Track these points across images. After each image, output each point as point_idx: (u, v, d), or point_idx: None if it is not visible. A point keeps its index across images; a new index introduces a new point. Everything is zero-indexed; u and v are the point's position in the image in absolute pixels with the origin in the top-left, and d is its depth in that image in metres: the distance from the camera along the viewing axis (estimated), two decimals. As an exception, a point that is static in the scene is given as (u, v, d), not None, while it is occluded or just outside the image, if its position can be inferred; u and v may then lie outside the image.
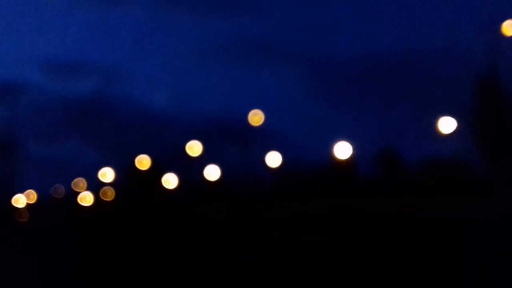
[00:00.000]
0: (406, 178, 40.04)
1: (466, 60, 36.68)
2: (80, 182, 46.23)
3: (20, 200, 44.30)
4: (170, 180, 52.60)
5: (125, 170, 50.52)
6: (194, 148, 49.85)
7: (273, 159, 49.27)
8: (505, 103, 35.02)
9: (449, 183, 34.61)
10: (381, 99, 42.37)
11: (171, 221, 29.84)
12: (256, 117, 44.48)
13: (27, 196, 45.21)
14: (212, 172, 52.12)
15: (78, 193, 46.38)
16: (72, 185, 45.79)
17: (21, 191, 44.94)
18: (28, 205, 45.15)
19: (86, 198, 46.43)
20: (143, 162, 50.60)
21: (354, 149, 41.21)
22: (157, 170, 51.41)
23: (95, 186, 46.96)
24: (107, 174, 45.88)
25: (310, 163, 47.89)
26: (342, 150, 41.43)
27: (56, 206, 44.87)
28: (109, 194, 47.66)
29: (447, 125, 35.77)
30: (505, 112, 34.20)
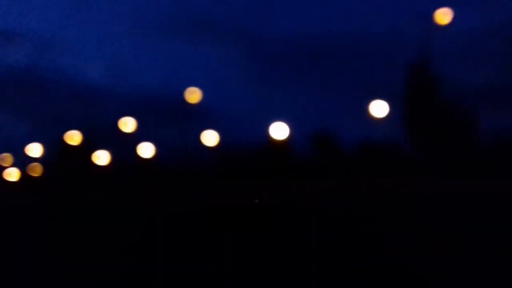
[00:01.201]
0: (341, 159, 41.02)
1: (400, 46, 37.74)
2: (6, 157, 44.11)
3: None
4: (101, 157, 51.16)
5: (54, 145, 48.58)
6: (127, 124, 48.63)
7: (209, 138, 49.05)
8: (435, 89, 36.56)
9: (382, 164, 35.95)
10: (318, 81, 42.84)
11: (102, 198, 29.04)
12: (193, 95, 43.93)
13: None
14: (146, 150, 51.21)
15: (4, 168, 44.28)
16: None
17: None
18: None
19: (12, 174, 44.39)
20: (73, 137, 48.83)
21: (290, 130, 41.72)
22: (88, 146, 49.83)
23: (22, 161, 44.93)
24: (34, 149, 43.91)
25: (246, 143, 48.12)
26: (279, 130, 41.88)
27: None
28: (37, 170, 45.71)
29: (380, 108, 36.95)
30: (435, 98, 35.82)
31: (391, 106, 37.93)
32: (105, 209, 19.43)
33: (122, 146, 51.32)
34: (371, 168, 36.90)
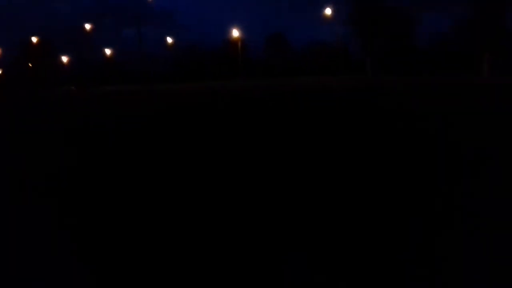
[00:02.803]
0: (293, 59, 42.41)
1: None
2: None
3: None
4: (61, 58, 51.74)
5: (14, 48, 49.25)
6: (86, 26, 48.87)
7: (167, 39, 49.78)
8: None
9: (330, 62, 37.92)
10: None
11: (63, 100, 29.22)
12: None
13: None
14: (105, 51, 51.91)
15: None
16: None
17: None
18: None
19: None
20: (33, 39, 48.94)
21: (245, 32, 42.99)
22: (47, 48, 50.01)
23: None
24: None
25: (203, 44, 49.05)
26: (234, 32, 43.14)
27: None
28: None
29: (328, 12, 38.64)
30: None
31: (338, 10, 39.37)
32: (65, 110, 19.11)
33: (81, 48, 51.86)
34: (320, 66, 39.14)
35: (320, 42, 43.40)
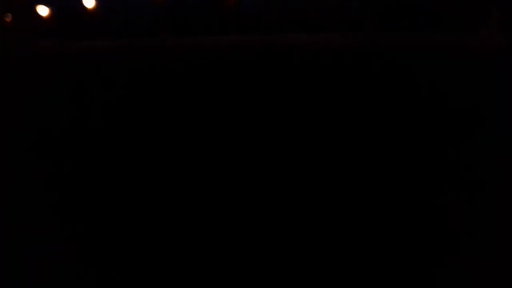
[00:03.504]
0: (288, 14, 40.92)
1: None
2: None
3: None
4: (42, 9, 49.13)
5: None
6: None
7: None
8: None
9: (328, 19, 36.52)
10: None
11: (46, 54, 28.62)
12: None
13: None
14: (88, 1, 49.36)
15: None
16: None
17: None
18: None
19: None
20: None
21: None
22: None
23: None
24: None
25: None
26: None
27: None
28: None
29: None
30: None
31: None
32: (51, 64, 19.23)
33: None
34: (318, 22, 37.63)
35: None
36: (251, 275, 2.23)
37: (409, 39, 25.05)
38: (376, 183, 3.26)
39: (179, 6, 45.46)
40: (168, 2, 45.17)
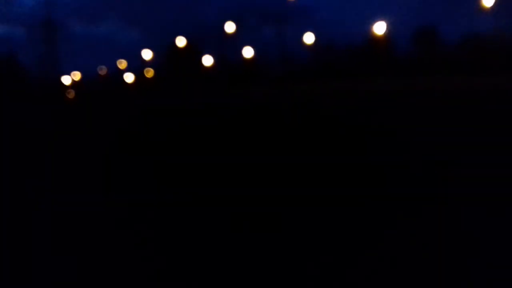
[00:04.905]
0: (443, 55, 39.25)
1: None
2: (122, 62, 48.20)
3: (68, 79, 46.91)
4: (206, 59, 53.35)
5: (164, 50, 51.67)
6: (229, 27, 49.78)
7: (308, 36, 48.85)
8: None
9: (488, 58, 33.87)
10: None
11: (209, 97, 30.71)
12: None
13: (73, 76, 47.54)
14: (247, 51, 52.43)
15: (122, 71, 48.33)
16: (117, 63, 47.88)
17: (68, 71, 47.12)
18: (73, 82, 47.54)
19: (128, 77, 48.46)
20: (180, 41, 51.18)
21: (390, 27, 40.50)
22: (193, 50, 51.95)
23: (136, 65, 48.70)
24: (147, 54, 47.32)
25: (345, 41, 47.37)
26: (379, 27, 40.73)
27: (100, 84, 47.21)
28: (150, 73, 49.42)
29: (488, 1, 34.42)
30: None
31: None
32: (211, 108, 20.57)
33: (225, 48, 53.07)
34: (474, 63, 35.29)
35: (477, 35, 39.33)
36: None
37: None
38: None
39: (331, 52, 46.15)
40: (321, 48, 46.18)
